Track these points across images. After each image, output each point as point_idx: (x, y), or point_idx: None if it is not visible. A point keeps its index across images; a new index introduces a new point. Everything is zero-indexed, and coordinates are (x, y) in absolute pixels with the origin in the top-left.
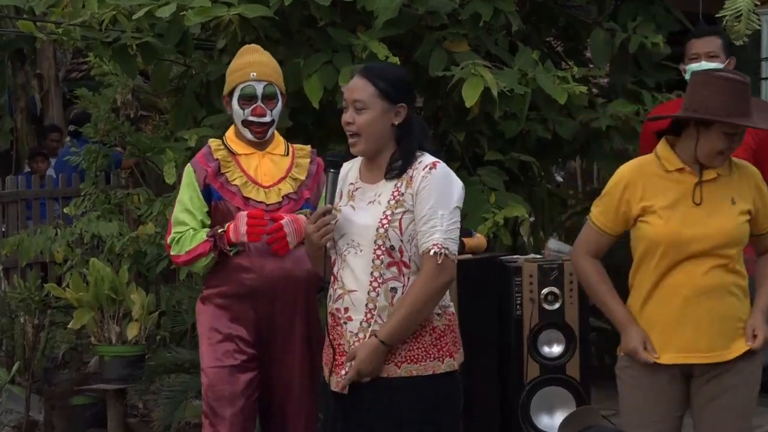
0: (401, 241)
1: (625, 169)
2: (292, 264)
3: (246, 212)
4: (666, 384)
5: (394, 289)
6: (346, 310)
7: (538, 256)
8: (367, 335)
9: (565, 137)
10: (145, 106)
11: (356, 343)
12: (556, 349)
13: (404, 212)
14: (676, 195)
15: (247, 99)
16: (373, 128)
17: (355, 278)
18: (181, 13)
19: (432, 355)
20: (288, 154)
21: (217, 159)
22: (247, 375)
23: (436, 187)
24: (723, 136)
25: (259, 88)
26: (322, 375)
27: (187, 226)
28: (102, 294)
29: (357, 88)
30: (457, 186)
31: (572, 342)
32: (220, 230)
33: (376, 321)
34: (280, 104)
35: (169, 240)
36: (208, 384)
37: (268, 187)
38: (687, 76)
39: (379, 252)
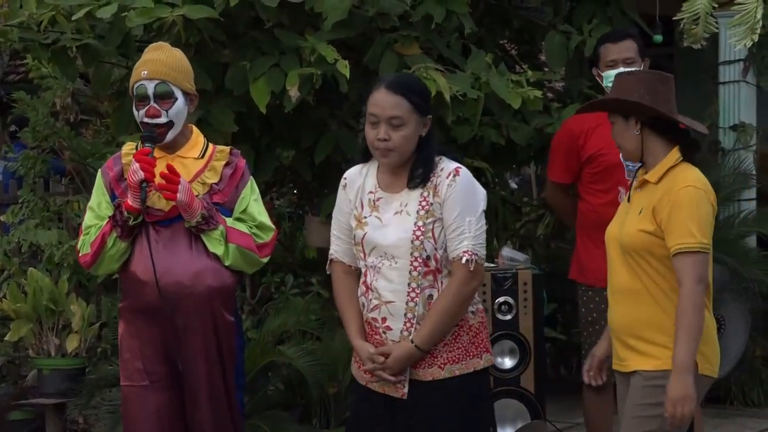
0: (435, 249)
1: None
2: (192, 280)
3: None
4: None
5: (431, 296)
6: (384, 319)
7: (492, 265)
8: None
9: (519, 143)
10: (86, 110)
11: None
12: (510, 361)
13: (435, 221)
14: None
15: (140, 99)
16: (409, 144)
17: (392, 289)
18: (123, 14)
19: (471, 353)
20: (203, 157)
21: (123, 163)
22: (158, 396)
23: (462, 194)
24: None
25: (150, 88)
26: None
27: None
28: (40, 305)
29: (392, 104)
30: (480, 191)
31: (526, 353)
32: (117, 202)
33: (416, 328)
34: (180, 103)
35: (78, 245)
36: (123, 403)
37: None
38: (604, 83)
39: (416, 263)
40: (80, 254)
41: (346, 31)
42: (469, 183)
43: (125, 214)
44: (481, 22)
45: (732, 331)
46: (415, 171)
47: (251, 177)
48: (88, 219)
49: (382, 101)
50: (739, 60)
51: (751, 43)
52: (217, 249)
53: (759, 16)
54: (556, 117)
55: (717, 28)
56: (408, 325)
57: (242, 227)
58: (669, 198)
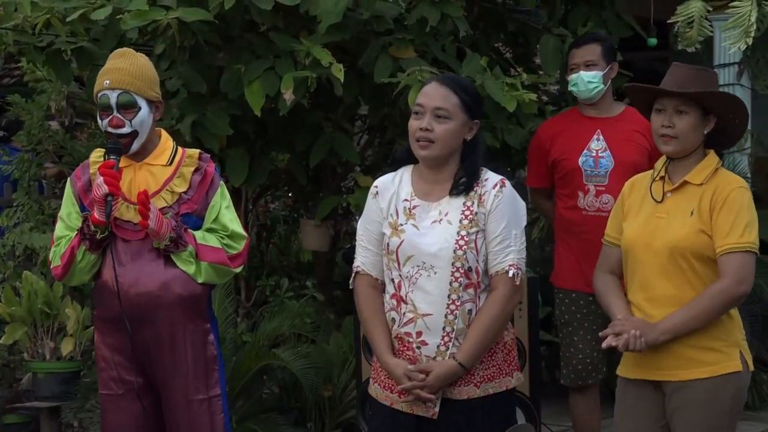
0: (477, 261)
1: (627, 181)
2: (160, 289)
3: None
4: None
5: (470, 312)
6: (419, 333)
7: None
8: (446, 358)
9: (514, 146)
10: (81, 113)
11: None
12: None
13: (478, 232)
14: (647, 199)
15: (103, 109)
16: (451, 139)
17: (430, 301)
18: (117, 17)
19: (504, 371)
20: (172, 164)
21: (90, 173)
22: (133, 406)
23: (509, 206)
24: (655, 113)
25: (113, 98)
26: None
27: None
28: (35, 308)
29: (439, 95)
30: (523, 204)
31: (521, 356)
32: (84, 214)
33: (453, 344)
34: (144, 112)
35: (50, 256)
36: (101, 410)
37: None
38: (569, 87)
39: (457, 274)
40: (51, 266)
41: (341, 34)
42: (514, 195)
43: (92, 227)
44: (476, 26)
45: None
46: (459, 178)
47: (222, 182)
48: (59, 230)
49: (431, 91)
50: (733, 63)
51: (746, 46)
52: (188, 268)
53: (753, 19)
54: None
55: (711, 31)
56: (446, 339)
57: (213, 240)
58: (721, 198)
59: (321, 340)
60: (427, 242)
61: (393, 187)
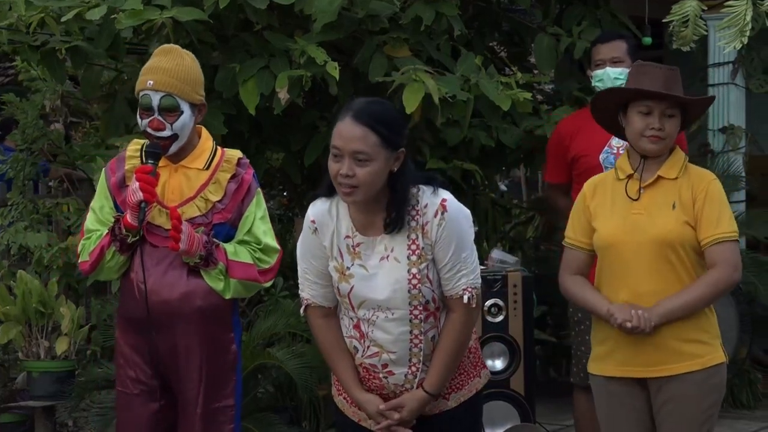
0: (433, 291)
1: (586, 183)
2: (180, 301)
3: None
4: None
5: (433, 337)
6: (385, 365)
7: (482, 267)
8: (414, 384)
9: (508, 145)
10: (75, 112)
11: (403, 392)
12: (500, 363)
13: (428, 265)
14: (619, 198)
15: (145, 109)
16: (376, 180)
17: (392, 340)
18: (112, 16)
19: (472, 375)
20: (209, 168)
21: (126, 168)
22: (149, 406)
23: (455, 230)
24: (638, 115)
25: (156, 100)
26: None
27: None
28: (30, 307)
29: (356, 137)
30: (467, 217)
31: (516, 355)
32: (116, 216)
33: (422, 369)
34: (186, 116)
35: (79, 249)
36: (117, 407)
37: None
38: (593, 83)
39: (416, 312)
40: (80, 260)
41: (336, 33)
42: (458, 214)
43: (124, 230)
44: (471, 25)
45: (722, 333)
46: (390, 214)
47: (258, 190)
48: (90, 222)
49: (347, 132)
50: (728, 62)
51: (741, 45)
52: (216, 285)
53: (748, 18)
54: (545, 119)
55: (706, 30)
56: (414, 369)
57: (245, 255)
58: (700, 190)
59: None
60: (380, 286)
61: (332, 223)
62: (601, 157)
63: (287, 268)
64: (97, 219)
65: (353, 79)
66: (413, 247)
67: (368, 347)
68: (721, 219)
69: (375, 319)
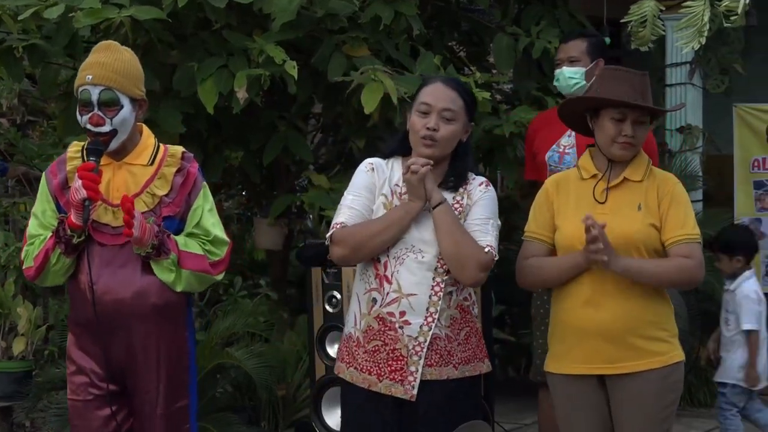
0: None
1: (548, 180)
2: (134, 298)
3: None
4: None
5: (450, 293)
6: (402, 314)
7: None
8: (428, 338)
9: None
10: (33, 111)
11: (416, 347)
12: None
13: (465, 223)
14: (584, 199)
15: (84, 105)
16: (453, 140)
17: (416, 282)
18: (70, 15)
19: (477, 356)
20: (153, 163)
21: (67, 170)
22: (104, 411)
23: (491, 201)
24: (611, 122)
25: (95, 94)
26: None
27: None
28: None
29: (447, 97)
30: (497, 203)
31: None
32: (60, 217)
33: (436, 324)
34: (126, 111)
35: (22, 256)
36: (70, 417)
37: (117, 206)
38: (554, 82)
39: (442, 261)
40: (24, 266)
41: (295, 32)
42: (495, 196)
43: (68, 231)
44: (430, 24)
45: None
46: (449, 176)
47: (204, 183)
48: (32, 227)
49: (439, 92)
50: (685, 63)
51: (698, 45)
52: (167, 276)
53: (706, 19)
54: (504, 119)
55: (664, 30)
56: (429, 320)
57: (195, 247)
58: (665, 192)
59: (275, 339)
60: (420, 228)
61: (386, 171)
62: (548, 154)
63: (246, 268)
64: (40, 224)
65: (312, 79)
66: (457, 206)
67: (388, 294)
68: (686, 221)
69: (405, 258)
